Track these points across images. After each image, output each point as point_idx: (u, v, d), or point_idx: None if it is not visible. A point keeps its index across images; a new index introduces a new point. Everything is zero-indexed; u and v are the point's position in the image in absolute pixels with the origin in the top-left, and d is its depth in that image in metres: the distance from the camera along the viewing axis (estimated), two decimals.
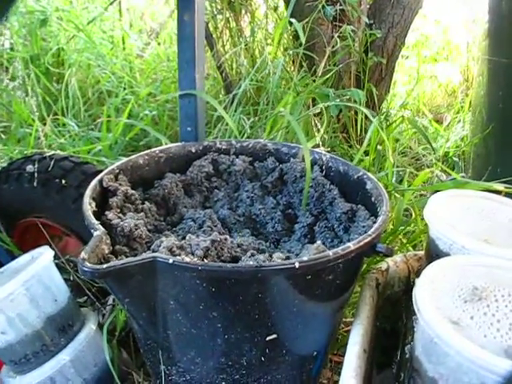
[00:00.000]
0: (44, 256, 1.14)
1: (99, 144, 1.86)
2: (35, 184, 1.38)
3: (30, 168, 1.40)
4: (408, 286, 1.18)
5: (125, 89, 2.43)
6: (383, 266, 1.17)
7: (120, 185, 1.12)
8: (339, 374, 1.29)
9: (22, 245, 1.48)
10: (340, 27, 2.24)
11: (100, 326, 1.24)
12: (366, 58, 2.40)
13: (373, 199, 1.12)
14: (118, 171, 1.16)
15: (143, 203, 1.14)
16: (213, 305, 0.85)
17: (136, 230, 0.97)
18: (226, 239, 0.96)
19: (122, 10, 3.32)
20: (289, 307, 0.88)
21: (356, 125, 2.16)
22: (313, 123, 1.89)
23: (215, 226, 1.13)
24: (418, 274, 1.18)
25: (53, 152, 1.47)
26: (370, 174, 1.18)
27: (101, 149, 1.85)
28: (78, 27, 2.69)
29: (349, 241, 1.07)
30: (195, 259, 0.88)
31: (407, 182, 1.65)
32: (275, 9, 2.53)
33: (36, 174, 1.38)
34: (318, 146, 1.52)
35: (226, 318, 0.87)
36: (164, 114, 2.27)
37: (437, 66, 3.90)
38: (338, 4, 2.21)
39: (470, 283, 0.81)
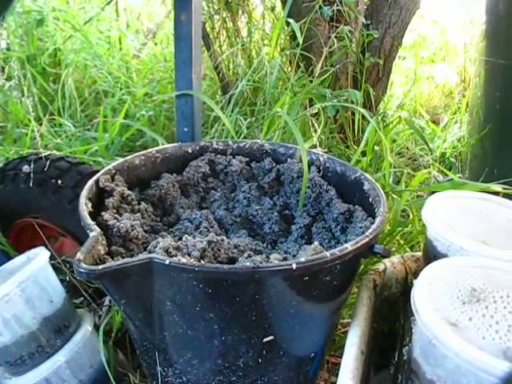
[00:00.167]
0: (40, 257, 1.13)
1: (96, 144, 1.86)
2: (31, 184, 1.37)
3: (26, 168, 1.39)
4: (405, 287, 1.18)
5: (121, 89, 2.42)
6: (380, 266, 1.16)
7: (116, 185, 1.11)
8: (336, 375, 1.29)
9: (18, 245, 1.48)
10: (337, 28, 2.23)
11: (96, 327, 1.23)
12: (363, 59, 2.40)
13: (370, 200, 1.11)
14: (114, 171, 1.16)
15: (139, 204, 1.14)
16: (209, 306, 0.85)
17: (132, 230, 0.97)
18: (222, 240, 0.96)
19: (119, 10, 3.31)
20: (286, 308, 0.88)
21: (353, 125, 2.16)
22: (310, 124, 1.89)
23: (212, 227, 1.13)
24: (415, 275, 1.17)
25: (49, 152, 1.46)
26: (367, 175, 1.18)
27: (97, 149, 1.84)
28: (74, 27, 2.69)
29: (346, 242, 1.07)
30: (192, 260, 0.88)
31: (404, 182, 1.65)
32: (272, 9, 2.53)
33: (32, 175, 1.38)
34: (315, 146, 1.51)
35: (223, 320, 0.86)
36: (160, 114, 2.27)
37: (434, 66, 3.90)
38: (335, 4, 2.21)
39: (468, 284, 0.80)
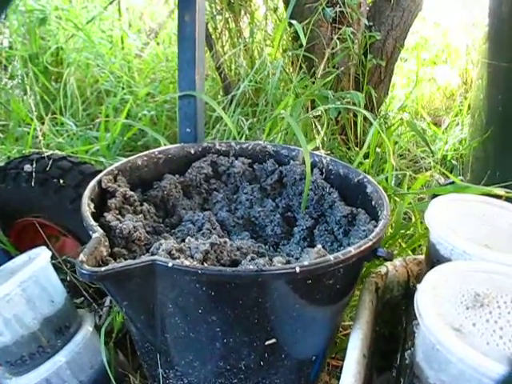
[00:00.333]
0: (41, 257, 1.13)
1: (97, 144, 1.85)
2: (33, 183, 1.37)
3: (27, 167, 1.39)
4: (407, 290, 1.18)
5: (123, 88, 2.42)
6: (382, 270, 1.16)
7: (119, 186, 1.11)
8: (337, 378, 1.29)
9: (19, 244, 1.47)
10: (339, 29, 2.23)
11: (96, 327, 1.23)
12: (365, 60, 2.39)
13: (373, 203, 1.11)
14: (116, 172, 1.15)
15: (142, 205, 1.14)
16: (212, 308, 0.84)
17: (135, 232, 0.97)
18: (225, 242, 0.95)
19: (122, 10, 3.31)
20: (288, 311, 0.88)
21: (355, 127, 2.15)
22: (312, 125, 1.89)
23: (214, 229, 1.13)
24: (417, 278, 1.17)
25: (51, 152, 1.46)
26: (370, 178, 1.18)
27: (98, 148, 1.84)
28: (77, 26, 2.68)
29: (349, 244, 1.07)
30: (195, 262, 0.88)
31: (406, 184, 1.65)
32: (275, 10, 2.53)
33: (34, 174, 1.37)
34: (317, 148, 1.51)
35: (225, 322, 0.86)
36: (162, 114, 2.26)
37: (436, 68, 3.90)
38: (338, 6, 2.21)
39: (471, 289, 0.80)
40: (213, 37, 2.44)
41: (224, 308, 0.84)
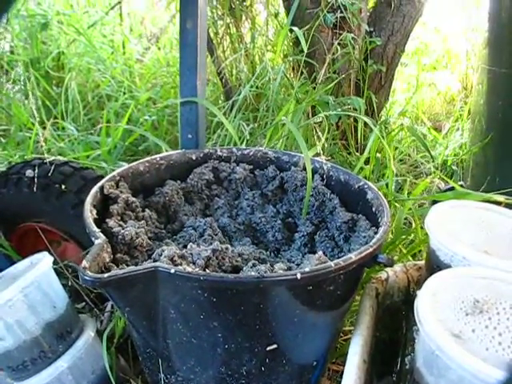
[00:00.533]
0: (43, 262, 1.13)
1: (99, 149, 1.86)
2: (35, 189, 1.37)
3: (29, 173, 1.39)
4: (407, 295, 1.18)
5: (124, 93, 2.43)
6: (383, 275, 1.17)
7: (121, 192, 1.12)
8: (337, 383, 1.30)
9: (21, 249, 1.48)
10: (340, 34, 2.24)
11: (98, 332, 1.23)
12: (365, 66, 2.40)
13: (373, 209, 1.12)
14: (118, 178, 1.16)
15: (144, 211, 1.14)
16: (213, 314, 0.85)
17: (137, 238, 0.97)
18: (227, 248, 0.96)
19: (123, 15, 3.32)
20: (289, 317, 0.88)
21: (355, 132, 2.16)
22: (313, 131, 1.89)
23: (216, 235, 1.13)
24: (417, 284, 1.18)
25: (53, 157, 1.47)
26: (370, 184, 1.18)
27: (100, 154, 1.85)
28: (78, 31, 2.69)
29: (349, 251, 1.08)
30: (197, 269, 0.88)
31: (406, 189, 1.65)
32: (276, 15, 2.53)
33: (36, 179, 1.38)
34: (318, 154, 1.52)
35: (227, 328, 0.87)
36: (163, 119, 2.27)
37: (436, 73, 3.91)
38: (339, 11, 2.22)
39: (471, 296, 0.81)
40: (214, 42, 2.45)
41: (225, 314, 0.85)
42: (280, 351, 0.93)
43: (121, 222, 1.03)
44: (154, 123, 2.26)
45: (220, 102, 2.46)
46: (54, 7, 2.80)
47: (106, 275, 0.77)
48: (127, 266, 0.92)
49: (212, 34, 2.49)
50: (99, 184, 1.10)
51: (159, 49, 3.27)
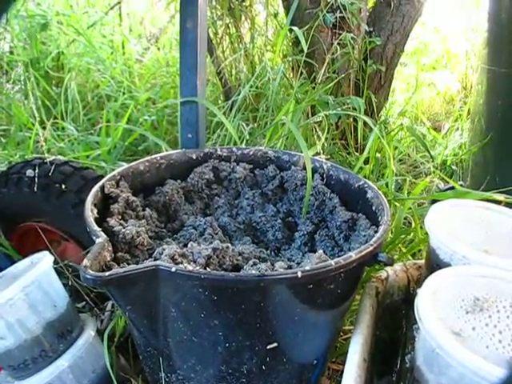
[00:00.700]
0: (44, 261, 1.13)
1: (98, 149, 1.86)
2: (35, 188, 1.37)
3: (29, 172, 1.40)
4: (407, 294, 1.18)
5: (124, 93, 2.43)
6: (383, 274, 1.17)
7: (121, 191, 1.12)
8: (337, 382, 1.30)
9: (21, 249, 1.48)
10: (340, 34, 2.24)
11: (98, 331, 1.23)
12: (365, 66, 2.40)
13: (373, 208, 1.12)
14: (119, 177, 1.16)
15: (144, 210, 1.15)
16: (214, 313, 0.85)
17: (138, 237, 0.98)
18: (227, 247, 0.96)
19: (122, 15, 3.31)
20: (290, 316, 0.88)
21: (355, 132, 2.16)
22: (313, 130, 1.90)
23: (216, 234, 1.13)
24: (417, 283, 1.18)
25: (53, 157, 1.47)
26: (370, 183, 1.18)
27: (100, 153, 1.85)
28: (78, 31, 2.69)
29: (349, 250, 1.08)
30: (197, 267, 0.88)
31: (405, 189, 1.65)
32: (275, 15, 2.53)
33: (36, 179, 1.38)
34: (318, 154, 1.52)
35: (227, 327, 0.87)
36: (163, 119, 2.27)
37: (435, 73, 3.91)
38: (338, 11, 2.22)
39: (471, 294, 0.81)
40: (213, 42, 2.45)
41: (226, 312, 0.85)
42: (280, 350, 0.93)
43: (121, 221, 1.03)
44: (153, 123, 2.26)
45: (220, 101, 2.46)
46: (53, 7, 2.79)
47: (107, 274, 0.78)
48: (128, 264, 0.92)
49: (211, 34, 2.49)
50: (100, 183, 1.10)
51: (159, 49, 3.27)
